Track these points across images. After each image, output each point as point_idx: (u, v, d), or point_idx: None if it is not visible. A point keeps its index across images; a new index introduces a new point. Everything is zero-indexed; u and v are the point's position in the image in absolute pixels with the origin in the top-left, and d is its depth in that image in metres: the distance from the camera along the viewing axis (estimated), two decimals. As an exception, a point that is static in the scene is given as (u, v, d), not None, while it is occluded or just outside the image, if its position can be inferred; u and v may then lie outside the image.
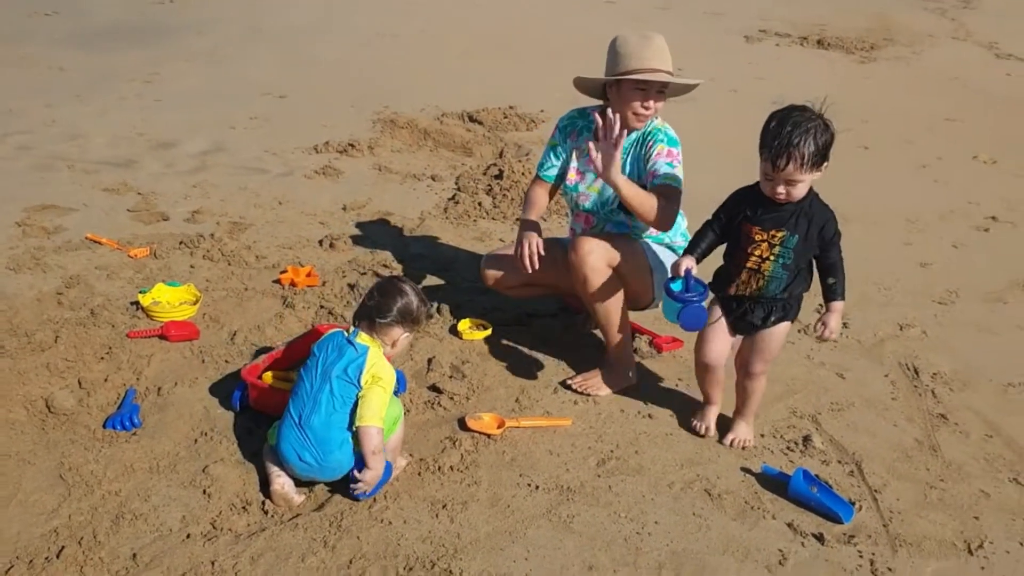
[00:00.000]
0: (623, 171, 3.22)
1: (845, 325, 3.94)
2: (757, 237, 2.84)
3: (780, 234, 2.81)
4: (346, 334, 2.78)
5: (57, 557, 2.42)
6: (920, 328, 3.97)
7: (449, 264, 4.37)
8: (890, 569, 2.57)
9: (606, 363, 3.43)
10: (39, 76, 7.30)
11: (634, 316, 3.81)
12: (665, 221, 3.19)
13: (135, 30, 9.00)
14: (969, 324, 4.05)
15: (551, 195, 3.72)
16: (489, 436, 3.04)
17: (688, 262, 2.87)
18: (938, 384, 3.54)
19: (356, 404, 2.66)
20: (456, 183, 5.44)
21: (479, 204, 5.07)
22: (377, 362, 2.72)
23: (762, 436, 3.16)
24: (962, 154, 6.58)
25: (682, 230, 3.57)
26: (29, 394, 3.14)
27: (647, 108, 3.27)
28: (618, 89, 3.29)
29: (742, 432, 3.10)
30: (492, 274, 3.65)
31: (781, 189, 2.74)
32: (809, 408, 3.34)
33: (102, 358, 3.40)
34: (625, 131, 3.03)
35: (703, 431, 3.13)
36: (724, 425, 3.16)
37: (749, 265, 2.87)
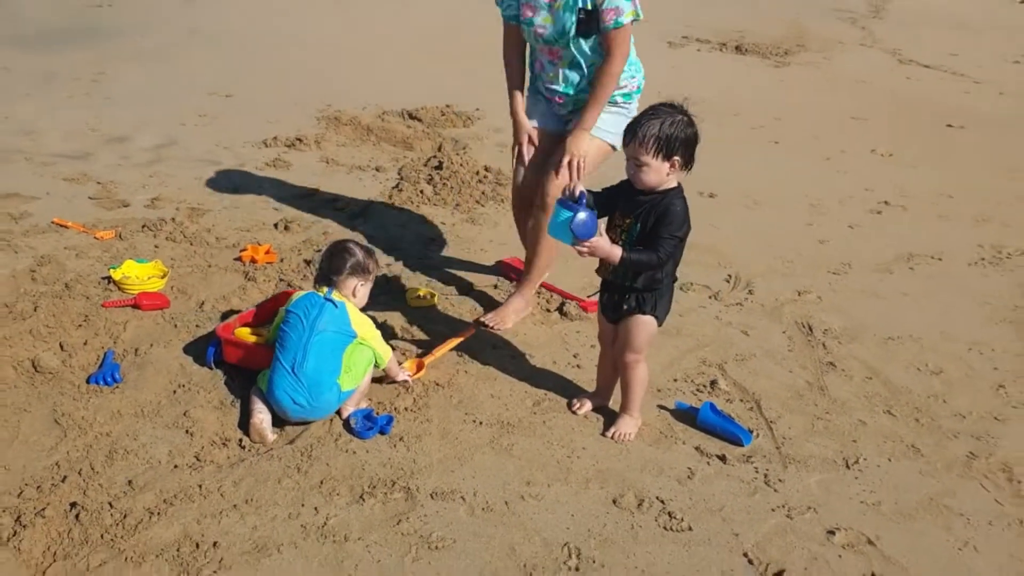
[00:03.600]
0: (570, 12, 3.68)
1: (750, 291, 4.44)
2: (616, 221, 3.00)
3: (627, 221, 2.95)
4: (321, 294, 3.20)
5: (63, 482, 2.77)
6: (816, 294, 4.49)
7: (396, 244, 4.76)
8: (781, 480, 3.05)
9: (514, 301, 4.02)
10: (-15, 75, 7.48)
11: (564, 284, 4.28)
12: (617, 73, 3.71)
13: (76, 32, 9.16)
14: (859, 290, 4.59)
15: (519, 44, 3.96)
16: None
17: (580, 186, 2.87)
18: (828, 339, 4.05)
19: (345, 350, 3.15)
20: (399, 173, 5.83)
21: (421, 192, 5.47)
22: (357, 313, 3.22)
23: (675, 380, 3.63)
24: (863, 148, 7.18)
25: (634, 74, 3.92)
26: (16, 356, 3.44)
27: None
28: None
29: (623, 426, 3.21)
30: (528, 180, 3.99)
31: (631, 169, 2.90)
32: (716, 358, 3.82)
33: (80, 325, 3.71)
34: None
35: (577, 408, 3.34)
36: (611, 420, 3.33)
37: None
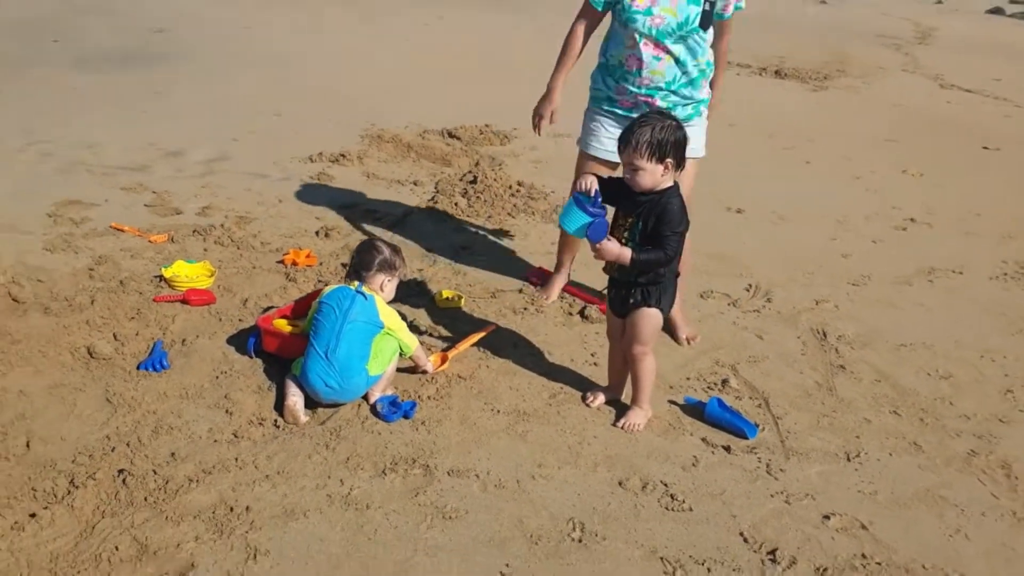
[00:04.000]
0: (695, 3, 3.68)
1: (769, 300, 4.59)
2: (619, 220, 3.20)
3: (630, 220, 3.16)
4: (352, 288, 3.45)
5: (112, 452, 3.03)
6: (833, 303, 4.63)
7: (428, 251, 5.00)
8: (782, 470, 3.21)
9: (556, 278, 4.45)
10: (53, 94, 7.92)
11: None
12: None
13: (138, 56, 9.64)
14: (876, 301, 4.71)
15: (591, 31, 3.96)
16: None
17: (594, 181, 3.11)
18: (841, 344, 4.19)
19: (373, 338, 3.39)
20: (436, 187, 6.09)
21: (456, 204, 5.72)
22: (384, 306, 3.48)
23: (688, 379, 3.80)
24: (894, 168, 7.29)
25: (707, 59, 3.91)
26: (73, 343, 3.73)
27: None
28: None
29: (633, 417, 3.39)
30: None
31: (628, 174, 3.10)
32: (730, 360, 3.98)
33: (132, 318, 4.00)
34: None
35: (590, 401, 3.52)
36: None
37: None
